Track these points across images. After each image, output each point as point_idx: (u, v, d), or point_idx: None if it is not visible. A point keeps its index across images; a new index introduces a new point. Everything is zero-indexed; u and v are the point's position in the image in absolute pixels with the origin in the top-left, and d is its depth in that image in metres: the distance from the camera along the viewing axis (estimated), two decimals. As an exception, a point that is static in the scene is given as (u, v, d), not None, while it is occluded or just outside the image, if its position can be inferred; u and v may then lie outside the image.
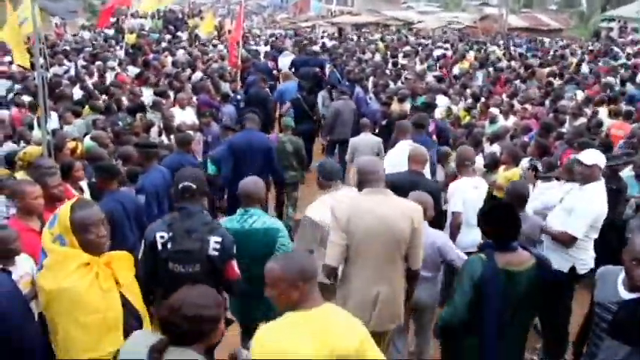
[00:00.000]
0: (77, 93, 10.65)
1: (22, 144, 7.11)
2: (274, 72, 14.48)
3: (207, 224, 3.67)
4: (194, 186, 3.70)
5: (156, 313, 3.08)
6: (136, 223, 4.89)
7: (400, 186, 4.46)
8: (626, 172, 6.48)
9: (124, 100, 9.95)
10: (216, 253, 3.59)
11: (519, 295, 3.35)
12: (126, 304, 2.93)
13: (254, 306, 4.02)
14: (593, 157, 4.71)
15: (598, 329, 3.10)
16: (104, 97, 10.42)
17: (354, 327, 2.62)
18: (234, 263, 3.70)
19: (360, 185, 3.80)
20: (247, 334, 4.17)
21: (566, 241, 4.57)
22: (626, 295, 2.98)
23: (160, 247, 3.61)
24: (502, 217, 3.43)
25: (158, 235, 3.62)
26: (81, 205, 2.89)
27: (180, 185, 3.71)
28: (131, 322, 2.93)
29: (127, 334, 2.86)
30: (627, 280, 2.99)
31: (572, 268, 4.65)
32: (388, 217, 3.61)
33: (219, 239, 3.61)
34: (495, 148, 7.87)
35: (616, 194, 5.74)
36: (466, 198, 5.27)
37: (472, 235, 5.04)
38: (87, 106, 9.26)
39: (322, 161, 5.20)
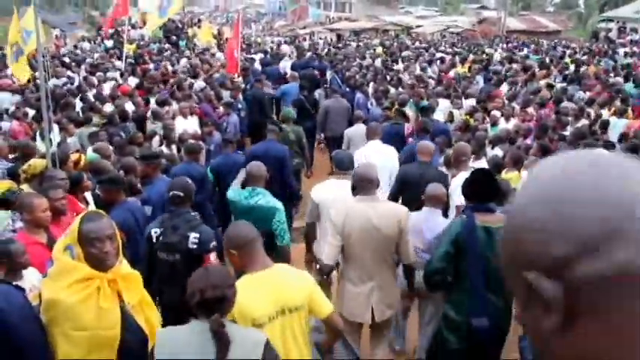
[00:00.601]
0: (78, 104, 10.67)
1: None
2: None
3: (189, 222, 4.29)
4: (181, 194, 4.38)
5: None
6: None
7: (411, 175, 5.17)
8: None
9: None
10: (195, 246, 4.17)
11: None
12: (129, 324, 2.87)
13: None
14: None
15: None
16: (109, 106, 10.43)
17: (302, 282, 3.14)
18: (212, 256, 4.18)
19: (355, 190, 4.17)
20: None
21: None
22: None
23: (154, 239, 4.26)
24: (480, 181, 3.79)
25: (152, 230, 4.31)
26: (91, 218, 2.86)
27: (171, 193, 4.41)
28: (134, 342, 2.87)
29: (125, 355, 2.83)
30: None
31: None
32: (378, 221, 4.00)
33: (197, 235, 4.20)
34: (497, 151, 7.86)
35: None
36: None
37: None
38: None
39: (336, 152, 5.74)
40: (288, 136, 8.33)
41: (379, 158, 6.05)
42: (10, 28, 8.49)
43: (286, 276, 3.11)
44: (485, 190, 3.73)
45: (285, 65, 16.19)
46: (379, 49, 23.45)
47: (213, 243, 4.23)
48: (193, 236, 4.17)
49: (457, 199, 5.31)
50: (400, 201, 5.31)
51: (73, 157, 6.38)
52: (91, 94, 11.70)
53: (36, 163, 5.41)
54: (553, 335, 0.69)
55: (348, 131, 8.73)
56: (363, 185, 4.11)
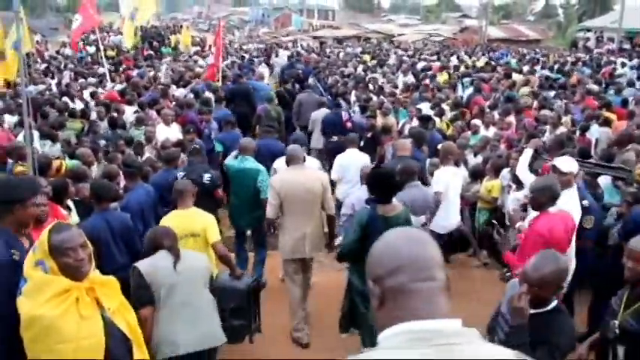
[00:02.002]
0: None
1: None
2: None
3: (203, 167, 6.52)
4: (197, 147, 6.85)
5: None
6: (125, 244, 4.79)
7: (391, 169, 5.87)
8: (607, 180, 6.52)
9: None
10: (208, 182, 6.34)
11: None
12: (111, 330, 2.86)
13: (242, 216, 6.56)
14: (568, 164, 4.84)
15: (497, 339, 3.19)
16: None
17: (203, 219, 4.83)
18: (220, 190, 6.69)
19: (288, 163, 5.69)
20: (238, 237, 6.78)
21: None
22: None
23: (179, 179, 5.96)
24: (384, 182, 4.67)
25: (179, 174, 6.19)
26: (59, 229, 2.83)
27: (192, 146, 6.81)
28: (118, 348, 2.87)
29: None
30: None
31: None
32: (306, 183, 5.46)
33: (209, 175, 6.43)
34: (479, 159, 7.96)
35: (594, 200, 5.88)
36: (447, 182, 6.39)
37: (451, 213, 6.54)
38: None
39: (293, 134, 7.50)
40: (270, 114, 10.18)
41: (356, 162, 7.24)
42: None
43: (195, 214, 4.85)
44: (386, 189, 4.65)
45: (263, 71, 17.04)
46: (366, 57, 23.59)
47: (219, 182, 6.62)
48: (207, 176, 6.34)
49: (435, 186, 6.38)
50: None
51: (55, 164, 6.35)
52: (80, 101, 11.66)
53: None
54: (377, 309, 1.47)
55: (312, 115, 10.58)
56: (293, 159, 5.62)
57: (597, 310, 4.98)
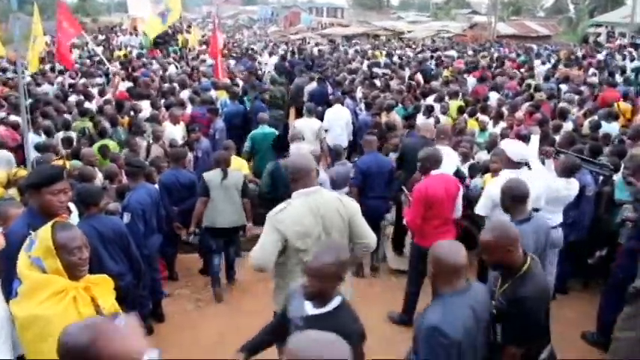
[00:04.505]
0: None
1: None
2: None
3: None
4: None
5: None
6: (119, 250, 4.68)
7: (411, 146, 6.94)
8: (619, 176, 6.37)
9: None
10: None
11: None
12: None
13: (263, 163, 7.88)
14: (515, 151, 5.04)
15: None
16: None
17: (240, 163, 7.57)
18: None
19: (291, 140, 7.58)
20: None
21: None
22: (311, 311, 2.94)
23: None
24: (278, 144, 7.25)
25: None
26: (63, 226, 2.79)
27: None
28: None
29: None
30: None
31: None
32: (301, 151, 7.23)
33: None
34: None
35: (598, 196, 6.19)
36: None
37: None
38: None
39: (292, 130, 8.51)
40: (276, 94, 12.34)
41: (341, 114, 10.30)
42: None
43: (235, 158, 7.21)
44: (279, 147, 7.10)
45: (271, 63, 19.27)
46: (377, 52, 23.53)
47: None
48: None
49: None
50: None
51: (56, 164, 6.31)
52: (89, 102, 11.64)
53: (21, 172, 5.38)
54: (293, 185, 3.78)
55: (306, 88, 13.76)
56: (294, 139, 7.52)
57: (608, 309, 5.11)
